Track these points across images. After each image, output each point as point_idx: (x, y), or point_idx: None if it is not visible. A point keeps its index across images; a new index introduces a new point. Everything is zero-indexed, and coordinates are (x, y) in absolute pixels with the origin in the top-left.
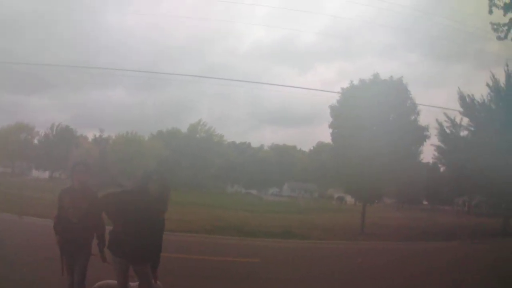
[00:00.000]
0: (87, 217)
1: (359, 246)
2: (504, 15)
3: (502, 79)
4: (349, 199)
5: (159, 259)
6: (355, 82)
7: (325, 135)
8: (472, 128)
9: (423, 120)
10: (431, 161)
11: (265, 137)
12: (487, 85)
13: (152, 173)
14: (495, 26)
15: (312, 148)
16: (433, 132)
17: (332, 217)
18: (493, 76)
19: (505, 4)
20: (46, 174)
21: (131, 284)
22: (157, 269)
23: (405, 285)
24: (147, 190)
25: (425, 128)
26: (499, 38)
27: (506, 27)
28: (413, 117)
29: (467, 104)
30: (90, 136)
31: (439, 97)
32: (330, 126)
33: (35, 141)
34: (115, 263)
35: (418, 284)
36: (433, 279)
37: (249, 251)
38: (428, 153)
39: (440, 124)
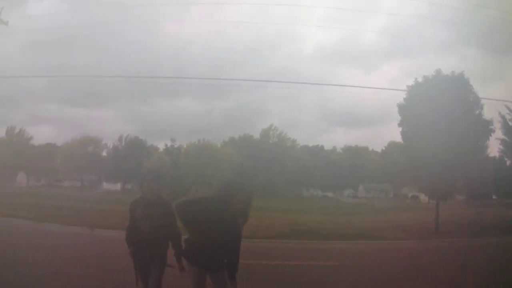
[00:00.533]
0: (159, 226)
1: (434, 244)
2: None
3: None
4: (422, 197)
5: (237, 266)
6: (419, 79)
7: (396, 134)
8: None
9: (486, 114)
10: (497, 155)
11: (337, 139)
12: None
13: (236, 183)
14: None
15: (384, 148)
16: (496, 126)
17: (407, 217)
18: None
19: None
20: (117, 186)
21: None
22: (235, 277)
23: (485, 281)
24: (229, 200)
25: (490, 122)
26: None
27: None
28: (477, 111)
29: None
30: (161, 146)
31: (499, 90)
32: (400, 124)
33: (104, 154)
34: (191, 272)
35: (498, 280)
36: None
37: (327, 254)
38: (494, 147)
39: (503, 117)
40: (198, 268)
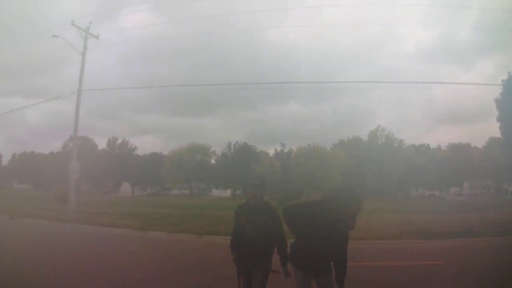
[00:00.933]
0: (264, 232)
1: None
2: None
3: None
4: None
5: (345, 270)
6: None
7: (495, 130)
8: None
9: None
10: None
11: (441, 136)
12: None
13: (347, 190)
14: None
15: (485, 144)
16: None
17: (509, 212)
18: None
19: None
20: (227, 193)
21: None
22: (343, 282)
23: None
24: (338, 206)
25: None
26: None
27: None
28: None
29: None
30: (271, 151)
31: None
32: (498, 119)
33: (212, 161)
34: (296, 276)
35: None
36: None
37: (433, 253)
38: None
39: None
40: (303, 272)
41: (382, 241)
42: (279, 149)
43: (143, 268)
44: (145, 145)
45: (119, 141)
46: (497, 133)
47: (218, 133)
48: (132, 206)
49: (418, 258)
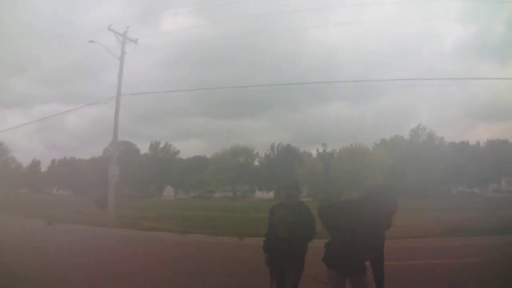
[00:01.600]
0: (297, 232)
1: None
2: None
3: None
4: None
5: (382, 269)
6: None
7: None
8: None
9: None
10: None
11: (480, 133)
12: None
13: (383, 189)
14: None
15: None
16: None
17: None
18: None
19: None
20: (271, 195)
21: None
22: (383, 283)
23: None
24: (375, 205)
25: None
26: None
27: None
28: None
29: None
30: (314, 152)
31: None
32: None
33: (256, 163)
34: (330, 276)
35: None
36: None
37: (472, 250)
38: None
39: None
40: (337, 273)
41: (422, 239)
42: (320, 149)
43: (175, 270)
44: (189, 148)
45: (162, 145)
46: None
47: (261, 135)
48: (173, 209)
49: (458, 255)
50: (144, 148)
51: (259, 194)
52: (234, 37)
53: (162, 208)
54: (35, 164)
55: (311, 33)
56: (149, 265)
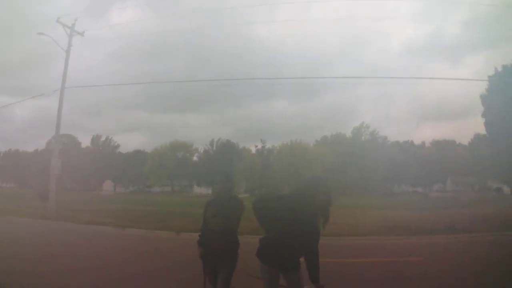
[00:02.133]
0: (229, 226)
1: None
2: None
3: None
4: (505, 189)
5: (318, 268)
6: (499, 69)
7: (482, 127)
8: None
9: None
10: None
11: (426, 133)
12: None
13: (315, 180)
14: None
15: (470, 140)
16: None
17: (491, 209)
18: None
19: None
20: (209, 190)
21: None
22: (318, 280)
23: None
24: (307, 198)
25: None
26: None
27: None
28: None
29: None
30: (253, 148)
31: None
32: (483, 115)
33: (195, 158)
34: (264, 271)
35: None
36: None
37: (414, 250)
38: None
39: None
40: (271, 268)
41: (364, 238)
42: (259, 146)
43: (118, 266)
44: (130, 142)
45: (103, 138)
46: (482, 130)
47: (203, 130)
48: (112, 203)
49: (399, 254)
50: (86, 141)
51: (197, 190)
52: (179, 31)
53: (101, 202)
54: None
55: (257, 29)
56: (85, 258)
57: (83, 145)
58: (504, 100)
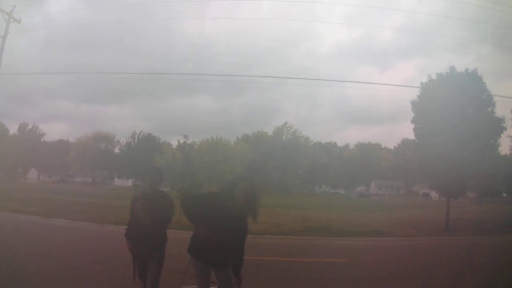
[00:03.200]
0: (158, 220)
1: (444, 241)
2: None
3: None
4: (433, 194)
5: (242, 262)
6: (433, 76)
7: (409, 132)
8: None
9: (498, 111)
10: (508, 152)
11: (351, 136)
12: None
13: (242, 178)
14: None
15: (397, 145)
16: (508, 124)
17: (418, 214)
18: None
19: None
20: (129, 182)
21: None
22: (240, 274)
23: (491, 279)
24: (232, 194)
25: (502, 120)
26: None
27: None
28: (490, 108)
29: None
30: (174, 143)
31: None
32: (412, 121)
33: (116, 150)
34: (195, 266)
35: (506, 278)
36: None
37: (337, 251)
38: (505, 145)
39: None
40: (202, 263)
41: (286, 237)
42: (181, 140)
43: (47, 257)
44: (55, 131)
45: (30, 126)
46: (410, 135)
47: (126, 122)
48: (36, 192)
49: (323, 255)
50: (13, 129)
51: (118, 182)
52: (108, 22)
53: (27, 190)
54: None
55: (186, 24)
56: (9, 247)
57: (11, 133)
58: (435, 108)
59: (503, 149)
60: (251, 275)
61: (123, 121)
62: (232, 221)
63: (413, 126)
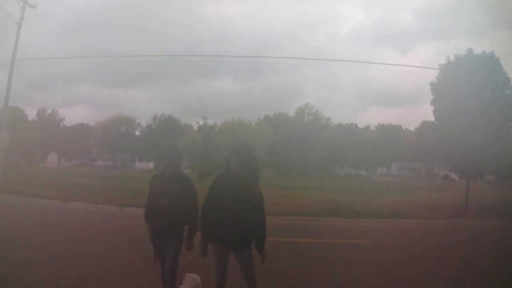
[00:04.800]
0: (177, 201)
1: (463, 224)
2: None
3: None
4: (453, 176)
5: (264, 235)
6: (451, 58)
7: (429, 114)
8: None
9: None
10: None
11: (371, 118)
12: None
13: (233, 151)
14: None
15: (417, 127)
16: None
17: (438, 196)
18: None
19: None
20: (150, 165)
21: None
22: (263, 247)
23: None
24: (228, 165)
25: None
26: None
27: None
28: (508, 91)
29: None
30: (195, 125)
31: None
32: (432, 103)
33: (137, 133)
34: (214, 249)
35: None
36: None
37: (357, 232)
38: None
39: None
40: (221, 246)
41: (306, 218)
42: (201, 122)
43: (53, 237)
44: (75, 116)
45: (49, 111)
46: (429, 117)
47: (146, 105)
48: (56, 176)
49: (343, 236)
50: (32, 114)
51: (139, 164)
52: (127, 6)
53: (47, 175)
54: None
55: (206, 5)
56: (28, 231)
57: (29, 118)
58: (454, 90)
59: None
60: (270, 256)
61: (143, 104)
62: (240, 199)
63: (432, 108)
